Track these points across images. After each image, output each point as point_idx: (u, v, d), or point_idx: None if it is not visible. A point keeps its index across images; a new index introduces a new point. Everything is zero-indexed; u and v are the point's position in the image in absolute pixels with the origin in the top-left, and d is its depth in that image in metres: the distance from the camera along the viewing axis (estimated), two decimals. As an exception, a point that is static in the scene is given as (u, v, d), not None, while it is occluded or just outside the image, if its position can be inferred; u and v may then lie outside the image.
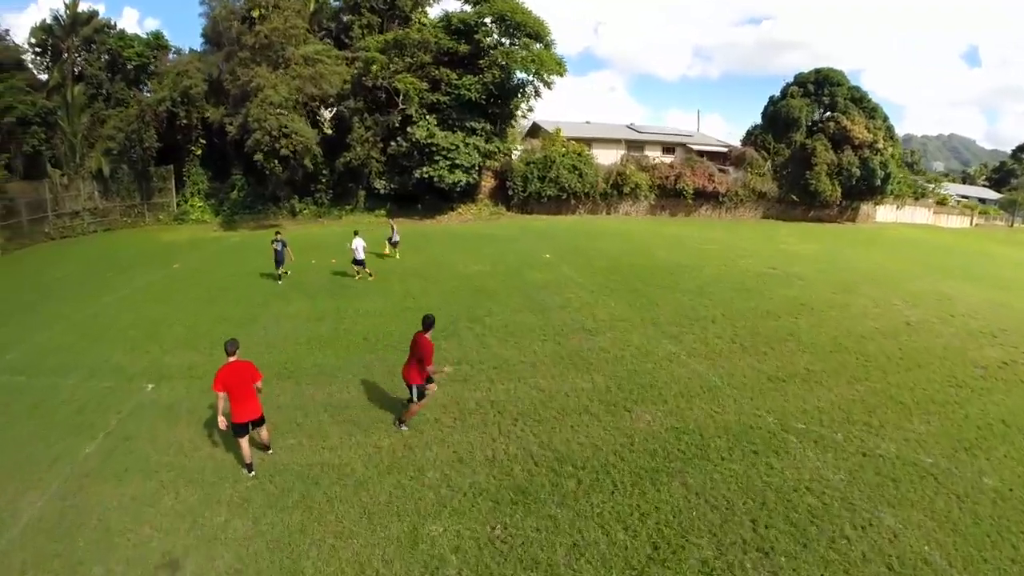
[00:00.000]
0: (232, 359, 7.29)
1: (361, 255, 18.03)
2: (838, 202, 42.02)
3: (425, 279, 18.02)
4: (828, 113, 43.75)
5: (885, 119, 44.35)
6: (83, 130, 33.91)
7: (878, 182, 41.53)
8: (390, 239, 21.55)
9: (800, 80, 46.08)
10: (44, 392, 10.35)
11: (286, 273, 18.12)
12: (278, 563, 6.02)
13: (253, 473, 7.48)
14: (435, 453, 8.05)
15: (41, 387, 10.62)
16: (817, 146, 41.23)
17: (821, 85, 44.55)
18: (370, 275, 18.10)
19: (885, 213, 49.72)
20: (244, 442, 7.38)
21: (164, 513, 6.87)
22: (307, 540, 6.34)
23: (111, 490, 7.32)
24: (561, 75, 31.80)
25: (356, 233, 18.35)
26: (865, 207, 46.51)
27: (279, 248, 17.87)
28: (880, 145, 41.39)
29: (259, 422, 7.51)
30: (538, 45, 31.69)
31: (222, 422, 7.25)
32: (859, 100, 44.31)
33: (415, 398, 8.30)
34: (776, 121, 44.50)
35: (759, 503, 6.91)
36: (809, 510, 6.80)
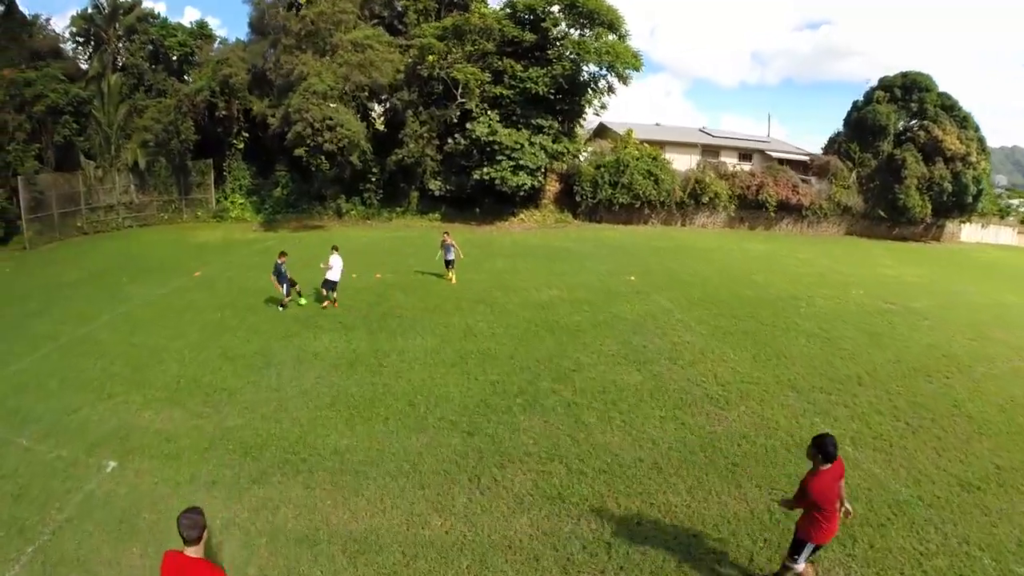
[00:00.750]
0: (188, 552, 3.87)
1: (335, 276, 14.33)
2: (927, 220, 37.55)
3: (489, 307, 14.52)
4: (916, 121, 39.32)
5: (977, 129, 39.91)
6: (120, 121, 31.66)
7: (969, 199, 37.38)
8: (445, 259, 16.93)
9: (886, 84, 41.66)
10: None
11: (299, 294, 14.70)
12: None
13: None
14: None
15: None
16: (907, 157, 36.95)
17: (909, 90, 40.14)
18: (335, 303, 14.49)
19: (970, 232, 44.98)
20: None
21: None
22: None
23: None
24: (637, 69, 28.30)
25: (335, 248, 14.82)
26: (951, 226, 42.05)
27: (280, 266, 14.25)
28: (973, 158, 37.05)
29: None
30: (612, 36, 28.25)
31: None
32: (949, 108, 39.90)
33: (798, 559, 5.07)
34: (861, 128, 40.11)
35: None
36: None
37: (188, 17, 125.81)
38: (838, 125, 43.02)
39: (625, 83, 28.28)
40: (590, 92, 28.64)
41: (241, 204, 29.84)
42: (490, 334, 12.49)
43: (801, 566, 5.08)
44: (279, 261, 14.17)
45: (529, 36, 27.37)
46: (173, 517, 6.12)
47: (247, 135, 30.21)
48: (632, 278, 18.17)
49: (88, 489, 6.99)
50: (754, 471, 7.42)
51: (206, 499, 6.71)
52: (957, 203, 37.69)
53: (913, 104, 39.67)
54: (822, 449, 4.74)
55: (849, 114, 42.03)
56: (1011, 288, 22.30)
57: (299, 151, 24.88)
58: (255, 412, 8.91)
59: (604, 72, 28.03)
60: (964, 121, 39.03)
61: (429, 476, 7.25)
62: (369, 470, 7.38)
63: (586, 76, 28.26)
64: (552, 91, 26.92)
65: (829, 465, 4.77)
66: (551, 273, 18.58)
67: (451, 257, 16.67)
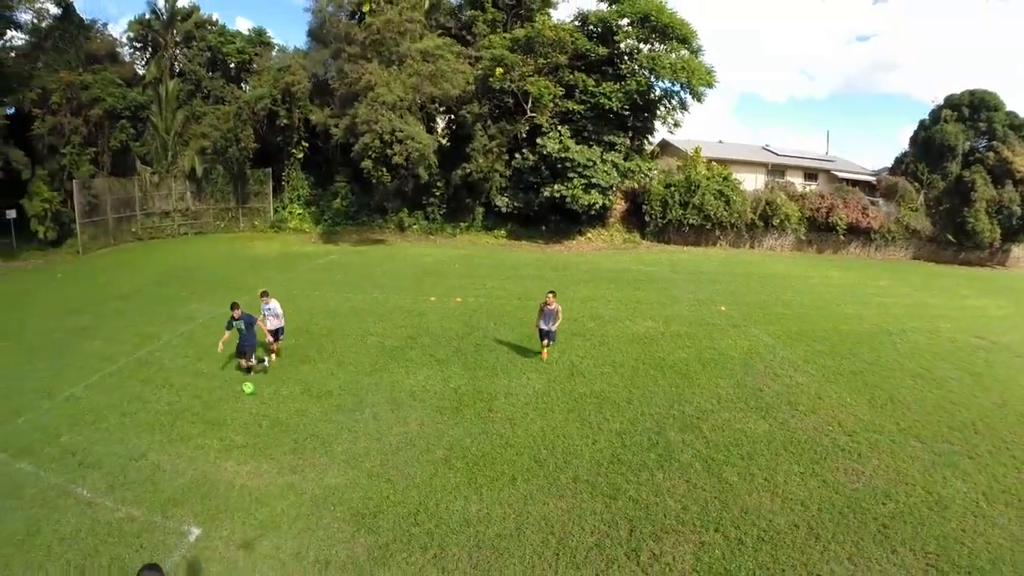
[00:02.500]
0: None
1: (274, 323, 11.68)
2: (995, 244, 35.84)
3: (587, 340, 13.57)
4: (984, 141, 37.60)
5: None
6: (177, 127, 31.25)
7: None
8: (541, 327, 12.28)
9: (953, 102, 40.02)
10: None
11: (261, 362, 11.27)
12: None
13: None
14: None
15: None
16: (976, 179, 35.54)
17: (976, 109, 38.55)
18: (264, 365, 11.37)
19: None
20: None
21: None
22: None
23: None
24: (711, 86, 27.11)
25: (264, 294, 11.84)
26: (1016, 250, 40.09)
27: (242, 325, 10.93)
28: None
29: None
30: (684, 51, 27.05)
31: None
32: (1018, 128, 38.38)
33: None
34: (929, 148, 38.52)
35: None
36: None
37: (240, 27, 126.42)
38: (889, 140, 41.42)
39: (699, 100, 27.10)
40: (662, 109, 27.40)
41: (299, 214, 29.14)
42: (598, 373, 11.72)
43: None
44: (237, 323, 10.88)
45: (601, 50, 26.34)
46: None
47: (306, 145, 29.49)
48: (723, 308, 17.46)
49: (172, 562, 6.00)
50: (904, 534, 7.16)
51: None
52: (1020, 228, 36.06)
53: (981, 124, 38.15)
54: None
55: (916, 133, 40.52)
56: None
57: (365, 163, 24.07)
58: (358, 468, 7.96)
59: (677, 88, 26.78)
60: (1034, 141, 37.29)
61: (581, 552, 6.48)
62: (511, 545, 6.52)
63: (658, 92, 27.02)
64: (625, 107, 25.78)
65: None
66: (638, 301, 17.75)
67: (551, 327, 12.16)
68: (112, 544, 5.66)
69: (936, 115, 40.05)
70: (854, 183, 36.88)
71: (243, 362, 11.09)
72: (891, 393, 11.49)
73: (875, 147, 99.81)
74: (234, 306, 10.96)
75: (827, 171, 37.44)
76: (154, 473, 7.68)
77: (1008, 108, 38.84)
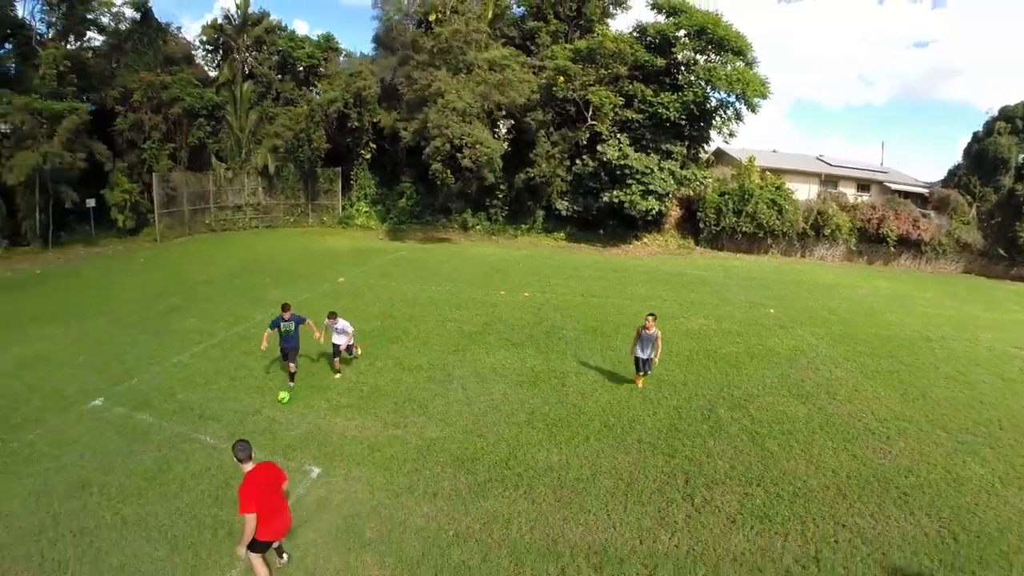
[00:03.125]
0: (249, 465, 5.63)
1: (343, 341, 11.30)
2: None
3: None
4: None
5: None
6: (251, 126, 33.40)
7: None
8: (637, 355, 11.32)
9: (1007, 114, 39.77)
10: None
11: (350, 351, 11.51)
12: None
13: None
14: None
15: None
16: None
17: None
18: (356, 353, 11.90)
19: None
20: (260, 562, 5.68)
21: None
22: None
23: None
24: (765, 97, 27.98)
25: (332, 315, 11.12)
26: None
27: (292, 326, 10.74)
28: None
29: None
30: (740, 63, 28.02)
31: (242, 552, 5.56)
32: None
33: None
34: (982, 160, 38.44)
35: None
36: None
37: (298, 29, 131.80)
38: (948, 150, 41.30)
39: (754, 111, 27.99)
40: (718, 119, 28.42)
41: (366, 212, 31.03)
42: (657, 361, 12.81)
43: None
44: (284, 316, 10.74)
45: (659, 61, 27.52)
46: (403, 528, 6.81)
47: (374, 146, 31.34)
48: (772, 311, 18.47)
49: (297, 494, 7.16)
50: (922, 502, 8.19)
51: (431, 509, 7.14)
52: None
53: None
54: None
55: (969, 145, 40.38)
56: None
57: (435, 165, 25.68)
58: (453, 425, 9.35)
59: (732, 99, 27.76)
60: (1085, 154, 37.00)
61: (646, 494, 7.77)
62: (587, 487, 7.86)
63: (714, 103, 28.06)
64: (682, 117, 26.90)
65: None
66: (692, 302, 18.93)
67: (650, 356, 11.23)
68: (241, 478, 5.72)
69: (990, 127, 39.90)
70: (907, 195, 37.07)
71: (291, 366, 10.78)
72: (924, 391, 12.49)
73: (933, 157, 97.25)
74: (285, 307, 10.88)
75: (880, 182, 37.74)
76: (271, 425, 9.06)
77: None
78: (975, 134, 40.60)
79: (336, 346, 11.13)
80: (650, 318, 11.10)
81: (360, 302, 16.31)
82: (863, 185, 37.78)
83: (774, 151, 39.06)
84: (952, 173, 40.69)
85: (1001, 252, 36.23)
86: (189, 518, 6.84)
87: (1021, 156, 38.09)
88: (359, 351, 12.00)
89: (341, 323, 11.04)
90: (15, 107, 23.56)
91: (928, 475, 9.09)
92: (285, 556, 6.16)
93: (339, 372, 11.31)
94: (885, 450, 9.71)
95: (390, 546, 6.45)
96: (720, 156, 35.63)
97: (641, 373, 11.46)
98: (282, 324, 10.69)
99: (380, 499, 7.31)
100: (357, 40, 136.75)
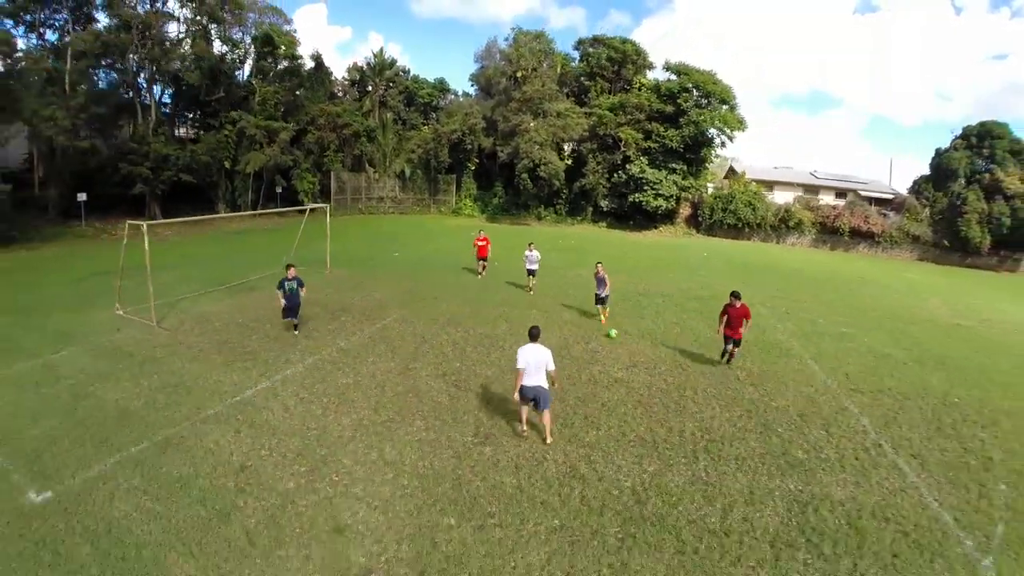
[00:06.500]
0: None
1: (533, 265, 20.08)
2: (987, 250, 46.79)
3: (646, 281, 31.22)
4: (987, 165, 49.58)
5: None
6: (392, 143, 51.85)
7: None
8: (599, 295, 16.45)
9: (965, 133, 52.25)
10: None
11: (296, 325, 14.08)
12: None
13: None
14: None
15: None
16: (969, 195, 46.22)
17: (983, 138, 49.41)
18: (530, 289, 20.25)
19: None
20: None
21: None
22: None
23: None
24: (742, 131, 44.01)
25: (530, 244, 20.65)
26: None
27: (295, 285, 13.44)
28: None
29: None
30: (724, 107, 43.90)
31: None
32: (1018, 152, 47.70)
33: None
34: (939, 171, 51.83)
35: None
36: None
37: (373, 41, 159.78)
38: None
39: (731, 140, 44.17)
40: (710, 146, 44.57)
41: (471, 206, 49.11)
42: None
43: None
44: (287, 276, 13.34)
45: (669, 108, 43.93)
46: None
47: (477, 160, 49.24)
48: (705, 253, 34.18)
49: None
50: None
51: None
52: (1018, 236, 45.73)
53: (985, 150, 49.95)
54: None
55: (932, 160, 53.90)
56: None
57: (523, 177, 43.26)
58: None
59: (715, 133, 43.85)
60: (1030, 164, 48.70)
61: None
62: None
63: (707, 135, 44.12)
64: (682, 146, 43.22)
65: None
66: (664, 259, 34.97)
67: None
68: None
69: (953, 144, 53.40)
70: (878, 201, 51.42)
71: (293, 321, 13.34)
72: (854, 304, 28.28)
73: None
74: (289, 267, 13.17)
75: (855, 191, 52.42)
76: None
77: (1015, 136, 50.62)
78: (937, 150, 53.98)
79: (530, 271, 19.89)
80: (599, 264, 16.28)
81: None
82: (841, 193, 52.45)
83: (775, 167, 54.82)
84: (915, 183, 54.44)
85: (946, 243, 49.43)
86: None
87: (970, 167, 50.44)
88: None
89: (534, 253, 19.63)
90: (249, 123, 38.86)
91: None
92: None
93: (531, 289, 20.05)
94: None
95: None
96: (732, 171, 51.72)
97: (601, 306, 16.49)
98: (286, 284, 12.97)
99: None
100: (429, 54, 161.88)
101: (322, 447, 8.84)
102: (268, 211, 35.35)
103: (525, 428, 9.38)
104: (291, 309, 13.33)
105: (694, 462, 8.91)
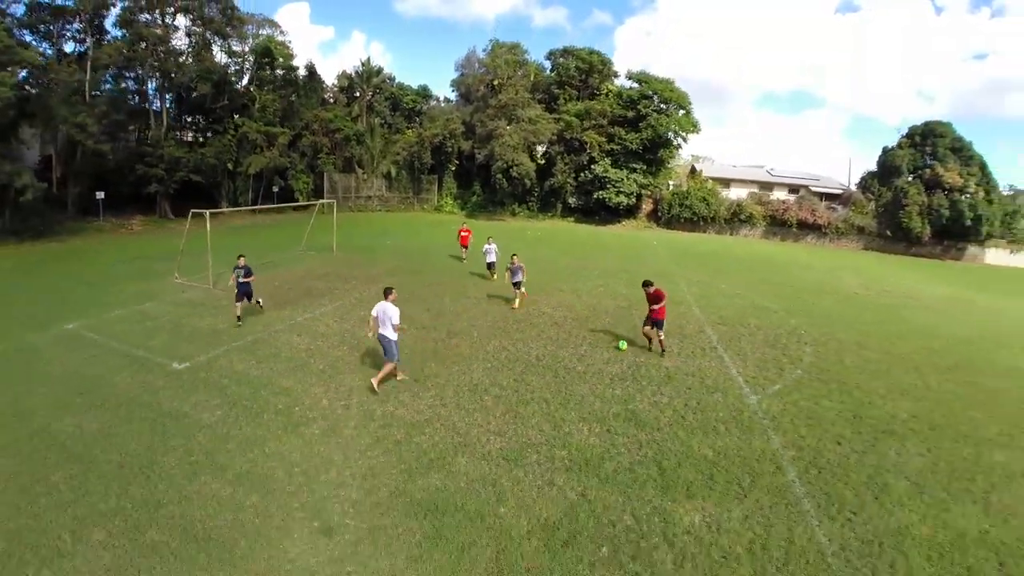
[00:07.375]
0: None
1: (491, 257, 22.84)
2: (929, 239, 51.57)
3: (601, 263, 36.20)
4: (929, 161, 54.39)
5: (982, 166, 51.74)
6: (379, 146, 56.66)
7: (968, 222, 49.15)
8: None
9: (911, 132, 57.15)
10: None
11: (258, 303, 16.34)
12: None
13: None
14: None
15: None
16: (910, 189, 51.16)
17: (926, 136, 54.03)
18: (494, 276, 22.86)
19: (997, 256, 56.76)
20: None
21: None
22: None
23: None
24: (696, 133, 49.42)
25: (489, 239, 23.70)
26: (973, 249, 52.95)
27: (242, 274, 15.27)
28: (971, 190, 49.80)
29: None
30: (681, 112, 48.99)
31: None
32: (958, 150, 52.21)
33: None
34: (884, 168, 57.05)
35: None
36: None
37: (355, 39, 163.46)
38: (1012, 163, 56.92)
39: (686, 141, 49.46)
40: (669, 147, 49.65)
41: (451, 204, 54.11)
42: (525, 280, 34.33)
43: None
44: (238, 264, 15.15)
45: (630, 113, 49.06)
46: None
47: (457, 162, 54.19)
48: (655, 242, 39.22)
49: None
50: None
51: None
52: (961, 227, 49.97)
53: (928, 147, 54.76)
54: None
55: (880, 156, 59.03)
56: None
57: (499, 177, 48.34)
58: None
59: (671, 135, 48.93)
60: (969, 159, 51.76)
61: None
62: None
63: (665, 137, 49.19)
64: (642, 147, 48.29)
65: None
66: (627, 246, 39.96)
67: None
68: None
69: (899, 142, 58.51)
70: (829, 196, 56.61)
71: (239, 306, 15.02)
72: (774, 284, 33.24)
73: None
74: (240, 257, 15.35)
75: (807, 187, 57.59)
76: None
77: (958, 135, 55.25)
78: (884, 148, 59.25)
79: (489, 263, 22.76)
80: (515, 256, 18.67)
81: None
82: (794, 189, 57.62)
83: (733, 166, 60.06)
84: (863, 178, 59.60)
85: (888, 233, 54.51)
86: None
87: (913, 163, 55.38)
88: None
89: (492, 247, 22.73)
90: (251, 128, 44.35)
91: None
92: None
93: (493, 278, 22.57)
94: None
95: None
96: (694, 170, 56.90)
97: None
98: (237, 270, 15.08)
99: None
100: (411, 52, 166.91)
101: (355, 339, 14.33)
102: (285, 205, 40.75)
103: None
104: (244, 294, 15.31)
105: (579, 345, 14.58)
